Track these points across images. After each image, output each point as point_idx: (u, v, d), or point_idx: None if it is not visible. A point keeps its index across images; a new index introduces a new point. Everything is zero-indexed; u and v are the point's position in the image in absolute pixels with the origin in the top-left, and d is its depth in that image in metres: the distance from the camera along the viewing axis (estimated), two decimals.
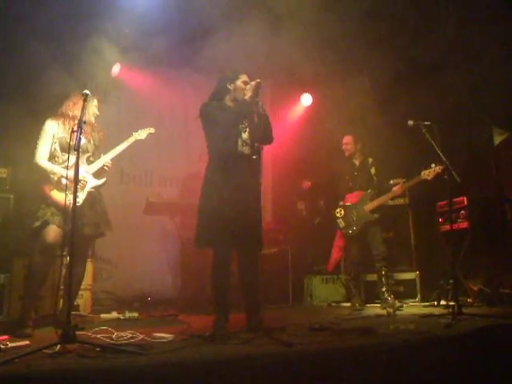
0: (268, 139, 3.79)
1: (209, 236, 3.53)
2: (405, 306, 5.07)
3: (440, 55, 5.75)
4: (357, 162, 5.56)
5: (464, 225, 5.51)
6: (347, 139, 5.59)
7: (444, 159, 4.44)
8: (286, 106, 7.52)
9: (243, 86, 3.72)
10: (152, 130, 4.34)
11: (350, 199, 5.48)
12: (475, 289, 5.16)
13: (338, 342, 3.04)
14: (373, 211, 5.29)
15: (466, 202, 5.56)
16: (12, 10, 4.83)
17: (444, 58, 5.73)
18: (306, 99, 7.55)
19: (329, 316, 4.61)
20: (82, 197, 3.79)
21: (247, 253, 3.64)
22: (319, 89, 7.22)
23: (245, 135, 3.72)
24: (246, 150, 3.70)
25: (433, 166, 4.82)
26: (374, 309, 5.14)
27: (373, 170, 5.48)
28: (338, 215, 5.45)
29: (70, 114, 3.88)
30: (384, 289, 5.12)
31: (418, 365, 2.92)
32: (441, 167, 4.69)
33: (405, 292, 5.60)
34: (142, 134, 4.24)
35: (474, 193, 5.61)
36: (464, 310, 4.00)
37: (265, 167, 3.57)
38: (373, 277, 5.56)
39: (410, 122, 4.57)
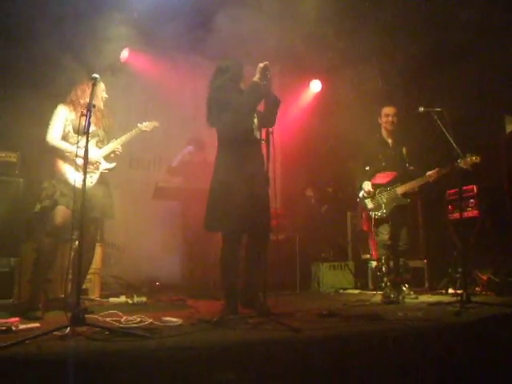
0: (273, 123, 3.77)
1: (219, 219, 3.52)
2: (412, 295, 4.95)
3: (453, 43, 5.66)
4: (390, 141, 5.16)
5: (473, 213, 5.49)
6: (390, 110, 5.10)
7: (455, 146, 4.40)
8: (295, 92, 7.47)
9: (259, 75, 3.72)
10: (157, 124, 4.34)
11: (380, 179, 5.05)
12: (484, 278, 5.14)
13: (346, 328, 3.04)
14: (405, 195, 4.96)
15: (475, 191, 5.53)
16: None
17: (456, 46, 5.64)
18: (316, 85, 7.49)
19: (337, 302, 4.62)
20: (95, 177, 3.86)
21: (258, 238, 3.65)
22: (329, 75, 7.15)
23: (255, 120, 3.72)
24: (257, 134, 3.70)
25: (468, 156, 4.55)
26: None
27: (404, 150, 5.11)
28: (367, 195, 5.06)
29: (82, 101, 3.86)
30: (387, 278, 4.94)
31: (427, 351, 2.92)
32: (478, 157, 4.52)
33: (412, 280, 5.56)
34: (147, 127, 4.24)
35: (484, 181, 5.56)
36: (472, 299, 3.99)
37: (274, 154, 3.55)
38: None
39: (421, 109, 4.51)
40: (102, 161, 3.95)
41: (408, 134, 5.28)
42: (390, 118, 5.08)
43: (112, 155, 4.01)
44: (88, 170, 3.63)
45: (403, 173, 5.02)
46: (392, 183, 5.01)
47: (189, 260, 5.78)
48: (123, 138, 4.03)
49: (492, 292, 4.99)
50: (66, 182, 3.72)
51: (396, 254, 4.96)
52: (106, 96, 4.08)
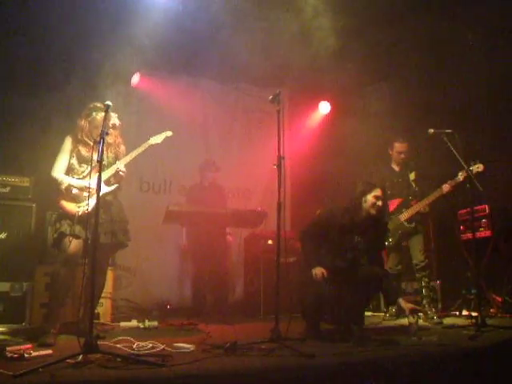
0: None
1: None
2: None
3: (462, 57, 5.68)
4: (397, 168, 5.27)
5: (486, 233, 5.44)
6: (402, 147, 5.18)
7: (466, 167, 4.40)
8: (305, 114, 7.51)
9: (374, 200, 3.91)
10: (169, 134, 4.20)
11: (390, 208, 5.12)
12: (498, 299, 5.07)
13: (359, 354, 3.00)
14: (408, 220, 5.01)
15: (488, 211, 5.48)
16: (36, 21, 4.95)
17: (465, 61, 5.65)
18: (325, 107, 7.53)
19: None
20: (91, 204, 3.64)
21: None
22: (338, 97, 7.18)
23: (349, 254, 3.92)
24: (344, 265, 3.89)
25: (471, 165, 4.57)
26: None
27: (412, 176, 5.18)
28: None
29: (88, 131, 3.87)
30: (425, 301, 4.91)
31: (442, 378, 2.87)
32: (481, 165, 4.54)
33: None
34: (158, 139, 4.12)
35: (497, 201, 5.51)
36: (488, 322, 3.93)
37: (284, 176, 3.58)
38: None
39: (431, 131, 4.52)
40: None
41: (418, 157, 5.29)
42: (403, 156, 5.20)
43: (112, 179, 3.89)
44: (81, 197, 3.72)
45: (408, 198, 5.09)
46: (397, 210, 5.09)
47: (200, 283, 5.76)
48: (127, 157, 3.93)
49: (507, 313, 4.91)
50: (67, 216, 3.74)
51: (419, 275, 5.00)
52: (119, 122, 3.94)
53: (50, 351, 2.98)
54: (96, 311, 4.50)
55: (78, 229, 3.68)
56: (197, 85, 6.90)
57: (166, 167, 6.39)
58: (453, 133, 4.38)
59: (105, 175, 3.84)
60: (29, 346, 3.00)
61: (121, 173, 3.87)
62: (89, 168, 3.78)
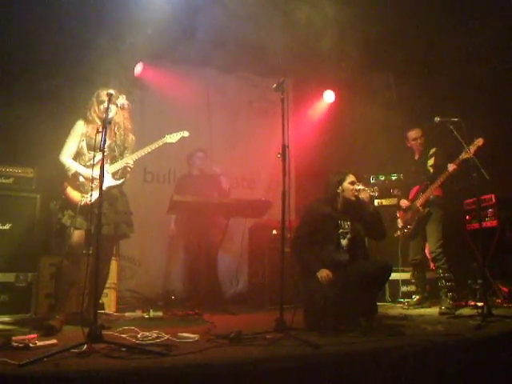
0: (382, 234, 4.05)
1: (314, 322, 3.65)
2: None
3: (465, 47, 5.61)
4: (416, 157, 5.22)
5: (492, 223, 5.40)
6: (417, 132, 5.13)
7: (472, 156, 4.36)
8: (309, 103, 7.44)
9: (351, 186, 3.91)
10: (186, 134, 4.20)
11: (410, 196, 5.17)
12: (505, 289, 5.05)
13: (365, 344, 2.99)
14: (423, 205, 4.95)
15: (494, 200, 5.44)
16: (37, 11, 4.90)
17: (470, 49, 5.59)
18: (329, 96, 7.46)
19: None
20: (94, 195, 3.55)
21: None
22: (343, 85, 7.11)
23: (344, 241, 3.87)
24: (343, 256, 3.82)
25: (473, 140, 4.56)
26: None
27: (430, 161, 5.06)
28: (398, 215, 5.20)
29: (99, 117, 3.84)
30: (441, 292, 4.90)
31: (447, 368, 2.86)
32: (481, 139, 4.50)
33: (431, 291, 5.46)
34: (174, 138, 4.11)
35: (503, 190, 5.46)
36: (493, 311, 3.92)
37: (288, 166, 3.55)
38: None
39: (437, 119, 4.49)
40: (107, 177, 3.73)
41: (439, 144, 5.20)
42: (419, 141, 5.14)
43: (120, 172, 3.88)
44: (86, 187, 3.69)
45: (426, 183, 5.01)
46: (415, 198, 5.08)
47: (204, 273, 5.74)
48: (139, 153, 3.90)
49: None
50: (70, 203, 3.73)
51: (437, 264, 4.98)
52: (128, 103, 3.73)
53: (54, 341, 2.98)
54: (101, 302, 4.50)
55: (79, 221, 3.67)
56: (200, 74, 6.84)
57: (169, 157, 6.34)
58: (459, 121, 4.34)
59: (113, 168, 3.85)
60: (34, 335, 3.00)
61: (128, 168, 3.87)
62: (97, 155, 3.72)
